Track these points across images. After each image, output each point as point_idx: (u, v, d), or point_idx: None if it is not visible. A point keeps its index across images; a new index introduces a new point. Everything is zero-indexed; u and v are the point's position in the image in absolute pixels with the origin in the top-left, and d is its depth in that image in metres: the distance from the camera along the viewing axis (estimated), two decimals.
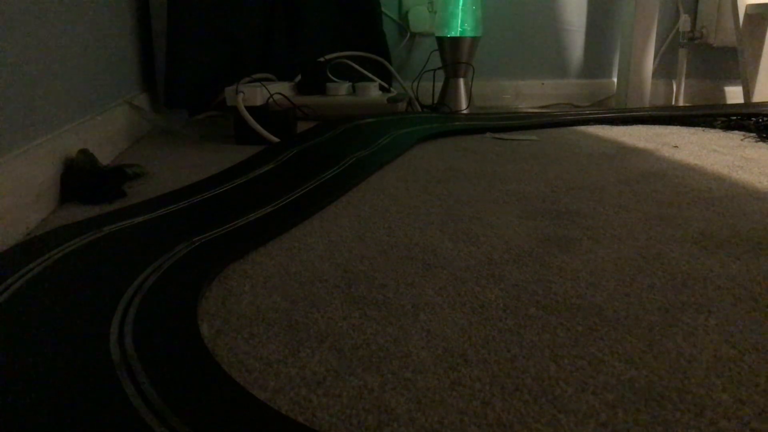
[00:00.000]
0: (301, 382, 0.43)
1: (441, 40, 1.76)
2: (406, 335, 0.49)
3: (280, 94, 1.38)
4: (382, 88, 1.68)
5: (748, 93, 1.81)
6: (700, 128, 1.44)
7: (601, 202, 0.88)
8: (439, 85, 1.82)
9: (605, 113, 1.74)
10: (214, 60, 1.62)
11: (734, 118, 1.50)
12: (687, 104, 2.07)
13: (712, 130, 1.39)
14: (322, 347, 0.47)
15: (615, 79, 2.07)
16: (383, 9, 1.82)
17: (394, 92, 1.70)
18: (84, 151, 0.92)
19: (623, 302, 0.56)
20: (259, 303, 0.55)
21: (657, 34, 1.97)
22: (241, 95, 1.28)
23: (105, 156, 1.07)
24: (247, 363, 0.45)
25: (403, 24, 1.91)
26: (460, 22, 1.75)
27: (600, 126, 1.60)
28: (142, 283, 0.56)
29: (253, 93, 1.31)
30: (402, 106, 1.63)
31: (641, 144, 1.34)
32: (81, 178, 0.87)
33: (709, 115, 1.53)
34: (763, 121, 1.45)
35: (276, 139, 1.26)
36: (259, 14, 1.65)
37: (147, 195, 0.89)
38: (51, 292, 0.54)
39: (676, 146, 1.29)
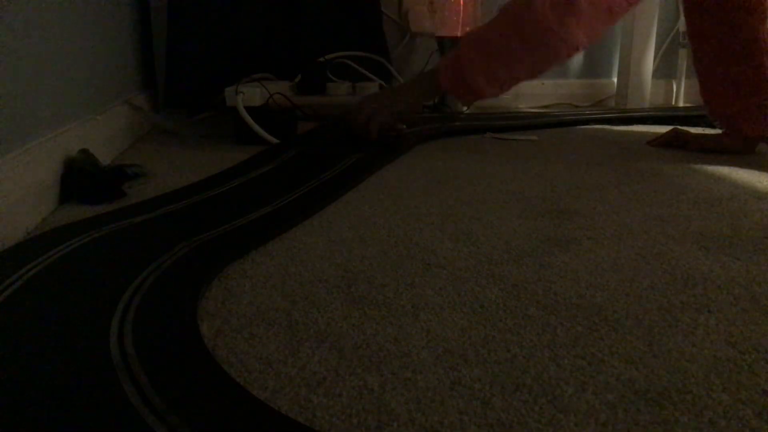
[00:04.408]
0: (301, 382, 0.43)
1: (441, 40, 1.76)
2: (406, 335, 0.49)
3: (280, 94, 1.38)
4: (382, 88, 1.68)
5: None
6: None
7: (601, 202, 0.88)
8: None
9: (605, 113, 1.74)
10: (214, 60, 1.61)
11: None
12: (687, 104, 2.07)
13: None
14: (322, 347, 0.47)
15: (615, 79, 2.07)
16: (383, 9, 1.82)
17: None
18: (84, 151, 0.92)
19: (623, 302, 0.56)
20: (259, 303, 0.55)
21: (657, 34, 1.97)
22: (240, 95, 1.28)
23: (105, 156, 1.07)
24: (247, 363, 0.45)
25: (403, 24, 1.91)
26: (460, 22, 1.75)
27: (600, 126, 1.60)
28: (142, 283, 0.56)
29: (253, 93, 1.31)
30: None
31: (641, 144, 1.34)
32: (81, 178, 0.87)
33: None
34: None
35: (276, 140, 1.26)
36: (259, 14, 1.65)
37: (147, 195, 0.89)
38: (51, 292, 0.55)
39: (675, 146, 1.29)
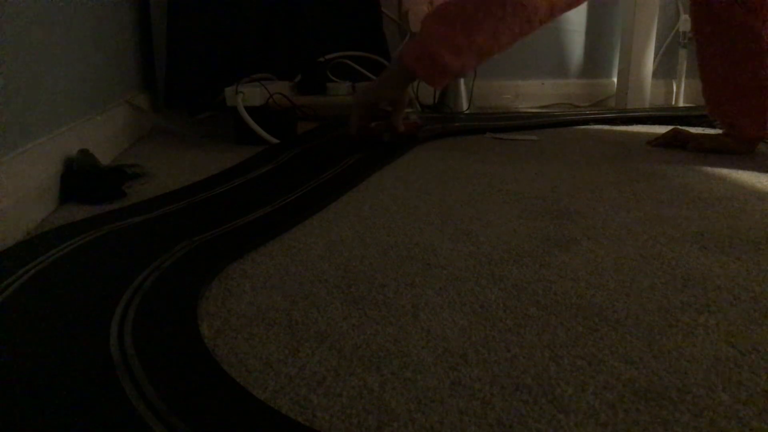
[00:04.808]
0: (301, 382, 0.43)
1: None
2: (406, 335, 0.49)
3: (280, 94, 1.38)
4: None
5: None
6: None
7: (601, 202, 0.88)
8: None
9: (605, 113, 1.74)
10: (214, 60, 1.62)
11: None
12: (687, 104, 2.07)
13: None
14: (322, 347, 0.47)
15: (615, 79, 2.07)
16: (383, 9, 1.82)
17: None
18: (84, 151, 0.92)
19: (623, 302, 0.56)
20: (259, 303, 0.55)
21: (657, 34, 1.97)
22: (240, 95, 1.28)
23: (105, 156, 1.07)
24: (247, 363, 0.45)
25: (403, 24, 1.91)
26: None
27: (600, 126, 1.60)
28: (142, 283, 0.56)
29: (253, 93, 1.31)
30: None
31: (641, 144, 1.34)
32: (81, 178, 0.87)
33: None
34: None
35: (276, 140, 1.26)
36: (259, 14, 1.65)
37: (147, 195, 0.89)
38: (51, 292, 0.55)
39: (675, 146, 1.29)
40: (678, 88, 2.08)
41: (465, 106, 1.80)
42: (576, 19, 2.04)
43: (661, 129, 1.39)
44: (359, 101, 1.22)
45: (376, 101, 1.21)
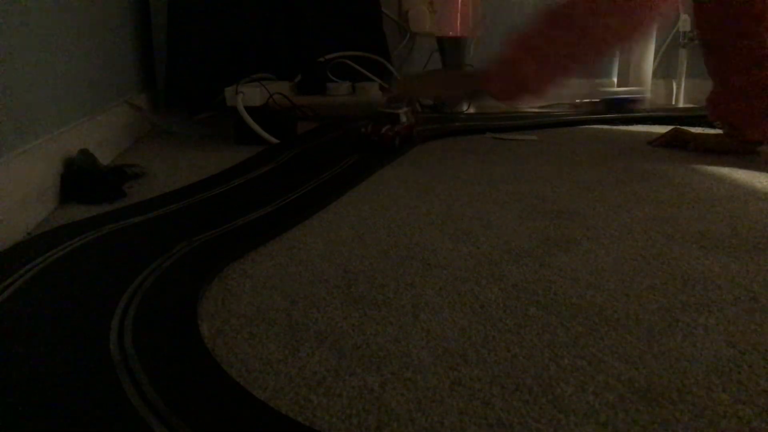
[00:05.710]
0: (301, 382, 0.43)
1: (441, 40, 1.76)
2: (406, 335, 0.49)
3: (280, 94, 1.38)
4: (382, 88, 1.68)
5: None
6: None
7: (601, 202, 0.88)
8: None
9: (605, 113, 1.74)
10: (214, 60, 1.62)
11: None
12: (687, 104, 2.07)
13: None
14: (322, 347, 0.47)
15: (615, 79, 2.07)
16: (383, 9, 1.82)
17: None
18: (84, 151, 0.92)
19: (623, 302, 0.55)
20: (259, 303, 0.55)
21: (657, 34, 1.96)
22: (240, 95, 1.28)
23: (105, 156, 1.07)
24: (247, 363, 0.45)
25: (403, 24, 1.91)
26: (460, 22, 1.75)
27: (600, 126, 1.60)
28: (142, 283, 0.56)
29: (253, 93, 1.31)
30: None
31: (641, 144, 1.34)
32: (81, 178, 0.87)
33: None
34: None
35: (276, 140, 1.26)
36: (259, 14, 1.65)
37: (147, 195, 0.88)
38: (51, 292, 0.55)
39: (676, 146, 1.29)
40: (678, 88, 2.08)
41: (465, 106, 1.79)
42: None
43: (661, 129, 1.39)
44: (405, 88, 1.25)
45: (423, 95, 1.24)
